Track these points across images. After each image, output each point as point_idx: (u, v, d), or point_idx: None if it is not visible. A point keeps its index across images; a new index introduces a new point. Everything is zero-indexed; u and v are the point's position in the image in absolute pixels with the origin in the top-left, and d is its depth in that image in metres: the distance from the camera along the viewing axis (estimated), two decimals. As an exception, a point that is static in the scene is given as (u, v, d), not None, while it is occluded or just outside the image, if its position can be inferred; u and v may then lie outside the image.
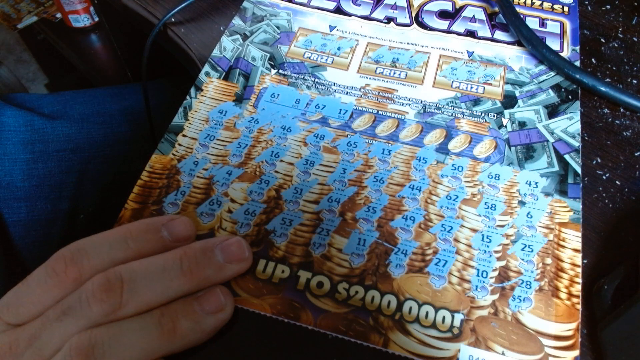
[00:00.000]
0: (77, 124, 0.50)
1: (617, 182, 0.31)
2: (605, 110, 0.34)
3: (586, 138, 0.33)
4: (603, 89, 0.34)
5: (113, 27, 0.69)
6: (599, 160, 0.32)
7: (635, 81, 0.36)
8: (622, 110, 0.34)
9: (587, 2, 0.41)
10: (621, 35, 0.39)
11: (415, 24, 0.39)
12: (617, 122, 0.34)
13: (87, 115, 0.51)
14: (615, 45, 0.38)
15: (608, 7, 0.41)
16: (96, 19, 0.99)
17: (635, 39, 0.39)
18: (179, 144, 0.31)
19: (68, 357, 0.21)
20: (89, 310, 0.22)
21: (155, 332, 0.23)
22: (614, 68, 0.37)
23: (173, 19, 0.40)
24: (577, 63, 0.36)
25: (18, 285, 0.24)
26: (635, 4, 0.41)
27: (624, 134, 0.33)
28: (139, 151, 0.53)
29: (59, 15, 1.06)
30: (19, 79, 1.06)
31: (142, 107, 0.43)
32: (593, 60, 0.37)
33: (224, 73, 0.35)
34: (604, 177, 0.31)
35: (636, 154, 0.32)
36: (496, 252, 0.27)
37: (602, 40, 0.39)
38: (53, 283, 0.23)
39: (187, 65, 0.39)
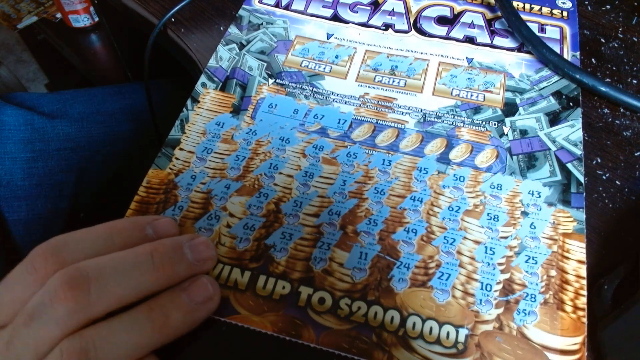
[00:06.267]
0: (77, 122, 0.50)
1: (617, 182, 0.31)
2: (605, 110, 0.34)
3: (586, 138, 0.33)
4: (603, 89, 0.33)
5: (113, 27, 0.69)
6: (599, 160, 0.32)
7: (635, 81, 0.36)
8: (622, 110, 0.34)
9: (587, 2, 0.41)
10: (621, 35, 0.39)
11: (413, 30, 0.38)
12: (617, 122, 0.34)
13: (87, 114, 0.51)
14: (615, 45, 0.38)
15: (608, 7, 0.41)
16: (96, 19, 0.98)
17: (635, 39, 0.38)
18: (176, 158, 0.31)
19: None
20: (54, 311, 0.21)
21: (147, 326, 0.22)
22: (614, 68, 0.36)
23: (173, 19, 0.39)
24: (578, 69, 0.35)
25: None
26: (635, 4, 0.41)
27: (624, 134, 0.33)
28: (139, 150, 0.53)
29: (59, 15, 1.05)
30: (19, 79, 1.05)
31: (142, 106, 0.43)
32: (593, 60, 0.37)
33: (221, 84, 0.35)
34: (604, 177, 0.31)
35: (636, 154, 0.32)
36: (500, 264, 0.27)
37: (602, 40, 0.38)
38: (33, 279, 0.23)
39: (187, 65, 0.39)
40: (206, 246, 0.26)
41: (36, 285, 0.23)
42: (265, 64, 0.36)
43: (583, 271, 0.27)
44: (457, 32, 0.38)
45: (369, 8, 0.40)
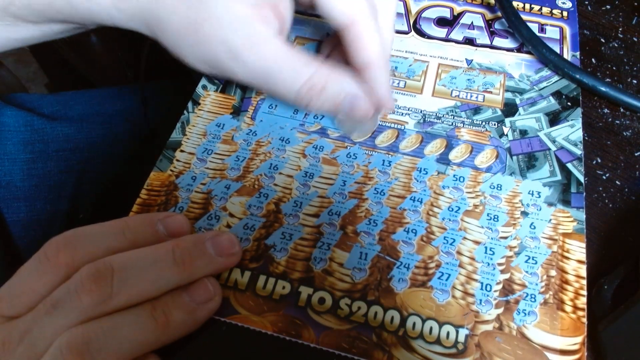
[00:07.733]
0: (77, 124, 0.51)
1: (617, 182, 0.31)
2: (605, 110, 0.34)
3: (586, 138, 0.33)
4: (603, 89, 0.34)
5: (113, 27, 0.69)
6: (599, 160, 0.32)
7: (635, 81, 0.36)
8: (622, 110, 0.34)
9: (587, 2, 0.41)
10: (621, 35, 0.39)
11: (413, 32, 0.38)
12: (617, 122, 0.34)
13: (86, 116, 0.52)
14: (615, 45, 0.38)
15: (608, 7, 0.41)
16: (96, 19, 0.98)
17: (635, 39, 0.38)
18: (177, 160, 0.31)
19: (60, 355, 0.21)
20: (79, 302, 0.22)
21: (149, 325, 0.22)
22: (614, 68, 0.36)
23: None
24: (578, 69, 0.35)
25: (12, 277, 0.24)
26: (635, 4, 0.41)
27: (624, 134, 0.33)
28: (138, 151, 0.53)
29: (58, 14, 1.06)
30: (19, 79, 1.05)
31: (142, 107, 0.43)
32: (593, 60, 0.37)
33: (221, 85, 0.35)
34: (604, 177, 0.31)
35: (636, 154, 0.32)
36: (500, 264, 0.27)
37: (602, 40, 0.38)
38: (45, 269, 0.23)
39: (187, 65, 0.39)
40: (230, 242, 0.26)
41: (48, 274, 0.23)
42: (266, 65, 0.36)
43: (583, 271, 0.27)
44: (457, 33, 0.38)
45: (369, 9, 0.40)
